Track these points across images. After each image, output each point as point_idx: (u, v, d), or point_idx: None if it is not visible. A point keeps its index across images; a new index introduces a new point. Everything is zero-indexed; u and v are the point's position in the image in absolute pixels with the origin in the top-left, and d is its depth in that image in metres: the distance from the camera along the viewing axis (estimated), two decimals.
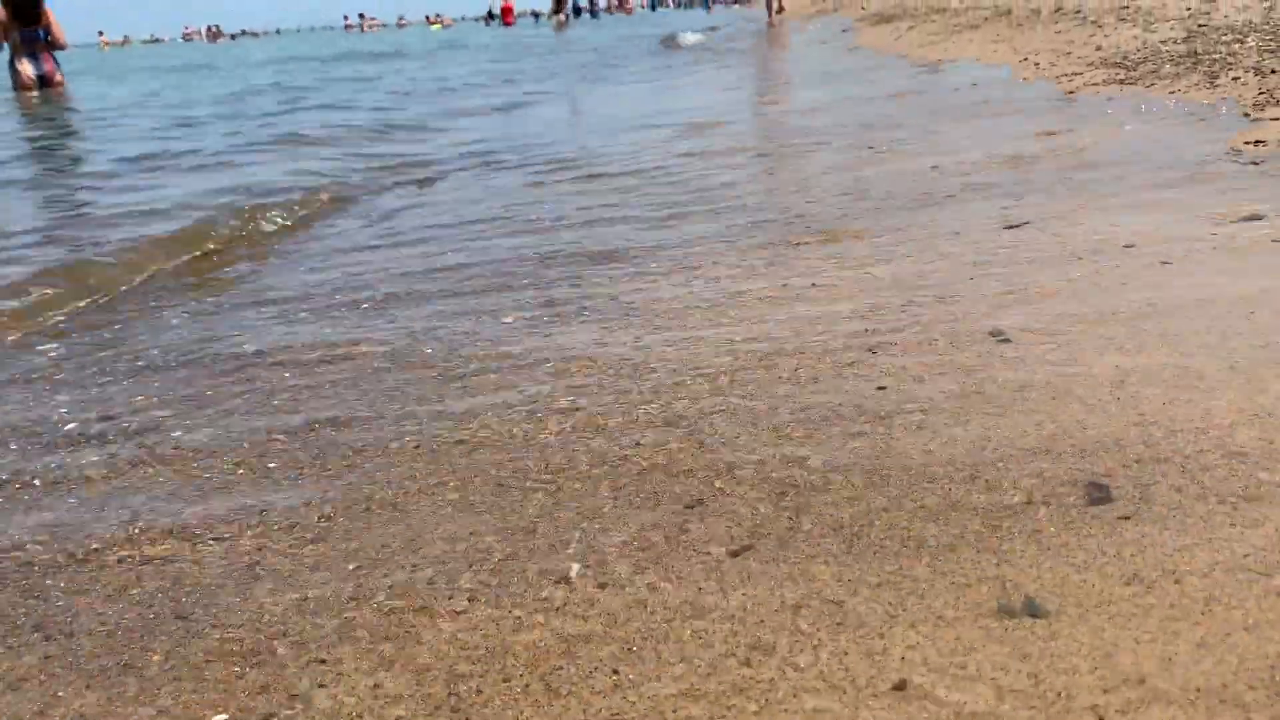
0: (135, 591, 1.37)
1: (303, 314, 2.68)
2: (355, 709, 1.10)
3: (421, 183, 4.91)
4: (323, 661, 1.18)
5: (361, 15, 76.63)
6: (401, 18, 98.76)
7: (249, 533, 1.51)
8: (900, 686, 1.05)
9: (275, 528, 1.51)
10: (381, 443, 1.79)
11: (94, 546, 1.50)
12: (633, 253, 3.02)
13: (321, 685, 1.14)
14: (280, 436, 1.86)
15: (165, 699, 1.14)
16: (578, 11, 45.74)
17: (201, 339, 2.53)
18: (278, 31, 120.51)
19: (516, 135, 6.48)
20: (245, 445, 1.83)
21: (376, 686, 1.13)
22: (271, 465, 1.74)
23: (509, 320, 2.46)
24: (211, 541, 1.49)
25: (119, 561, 1.46)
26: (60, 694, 1.17)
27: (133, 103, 11.16)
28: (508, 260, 3.08)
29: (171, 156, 6.18)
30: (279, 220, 4.03)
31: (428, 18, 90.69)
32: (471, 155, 5.66)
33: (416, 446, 1.76)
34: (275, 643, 1.23)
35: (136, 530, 1.54)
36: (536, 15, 59.75)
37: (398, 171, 5.26)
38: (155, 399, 2.11)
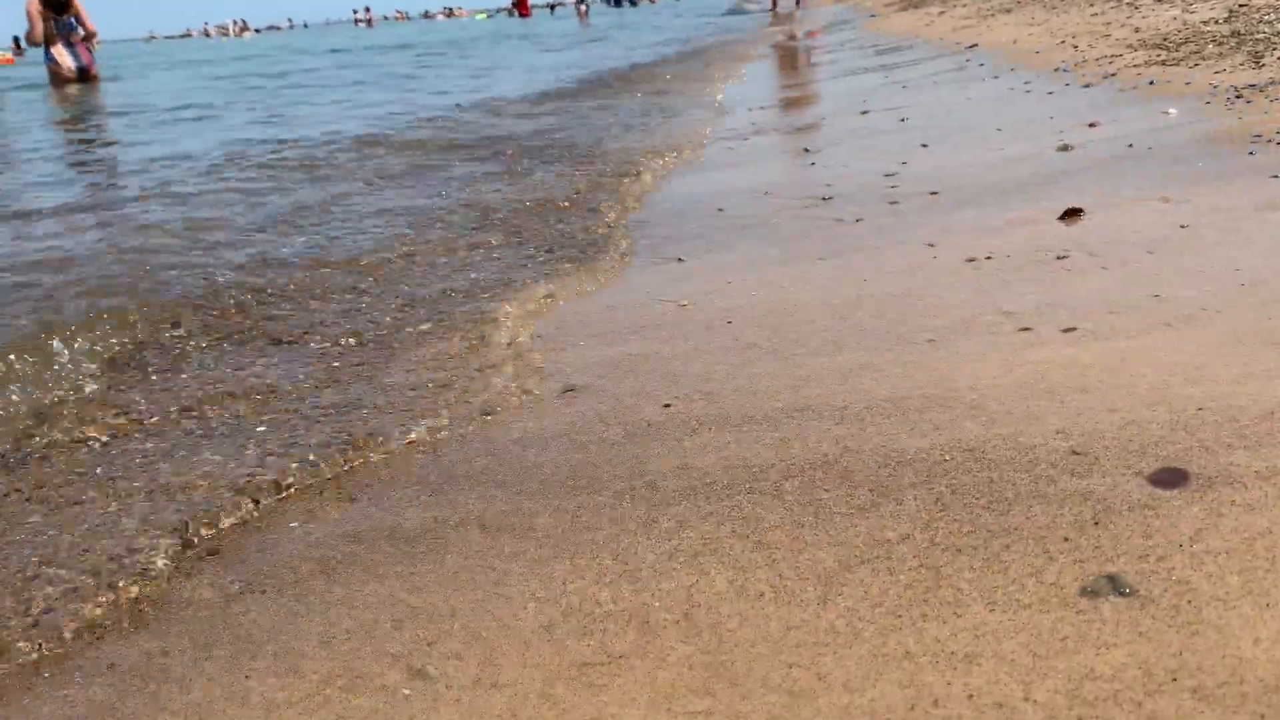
0: None
1: None
2: None
3: None
4: None
5: (367, 9, 75.14)
6: (427, 11, 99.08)
7: None
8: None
9: None
10: None
11: None
12: None
13: None
14: None
15: None
16: (618, 1, 45.74)
17: None
18: (306, 25, 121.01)
19: None
20: None
21: None
22: None
23: None
24: None
25: None
26: None
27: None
28: None
29: None
30: None
31: (449, 10, 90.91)
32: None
33: None
34: None
35: None
36: (553, 8, 59.32)
37: None
38: None
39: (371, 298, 2.82)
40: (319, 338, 2.51)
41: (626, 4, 44.39)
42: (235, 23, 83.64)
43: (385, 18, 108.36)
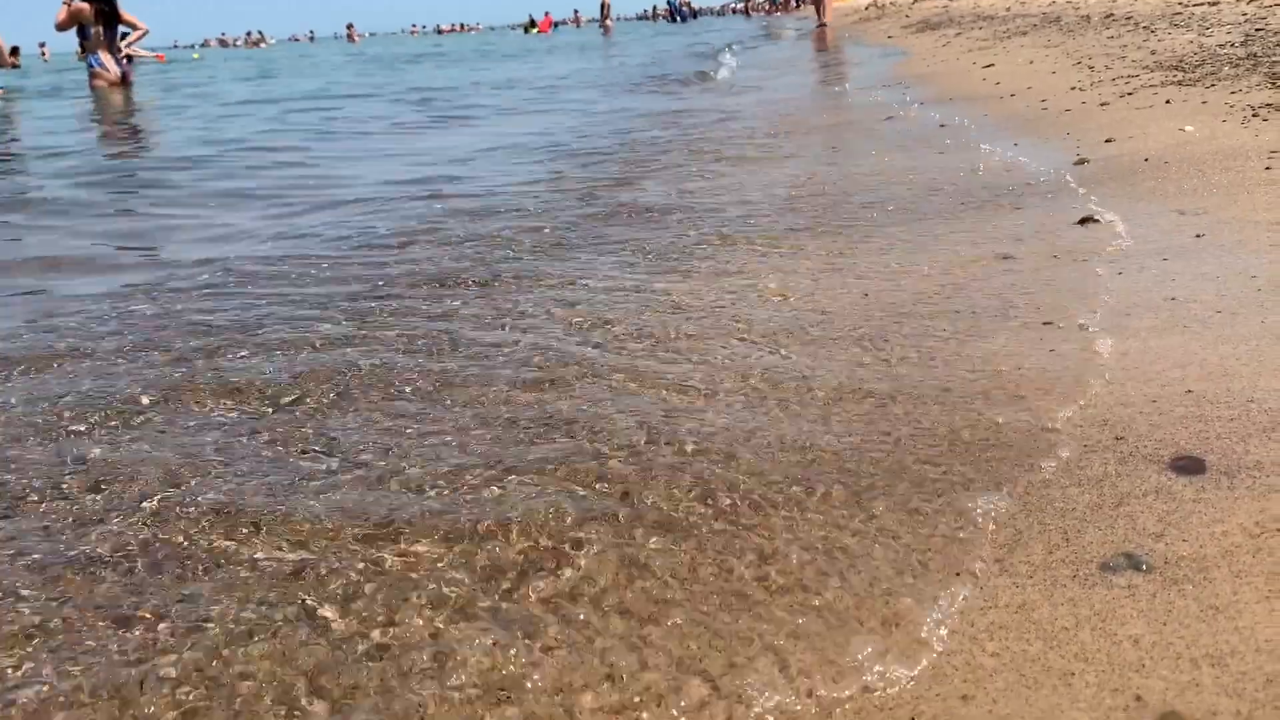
0: None
1: None
2: None
3: None
4: None
5: (350, 26, 72.10)
6: (440, 26, 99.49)
7: None
8: None
9: None
10: None
11: None
12: None
13: None
14: None
15: None
16: (671, 17, 46.62)
17: None
18: (334, 37, 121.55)
19: None
20: None
21: None
22: None
23: None
24: None
25: None
26: None
27: None
28: None
29: None
30: None
31: (462, 25, 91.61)
32: None
33: None
34: None
35: None
36: (558, 25, 59.37)
37: None
38: None
39: None
40: None
41: (679, 20, 45.14)
42: (250, 34, 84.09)
43: (403, 30, 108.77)
